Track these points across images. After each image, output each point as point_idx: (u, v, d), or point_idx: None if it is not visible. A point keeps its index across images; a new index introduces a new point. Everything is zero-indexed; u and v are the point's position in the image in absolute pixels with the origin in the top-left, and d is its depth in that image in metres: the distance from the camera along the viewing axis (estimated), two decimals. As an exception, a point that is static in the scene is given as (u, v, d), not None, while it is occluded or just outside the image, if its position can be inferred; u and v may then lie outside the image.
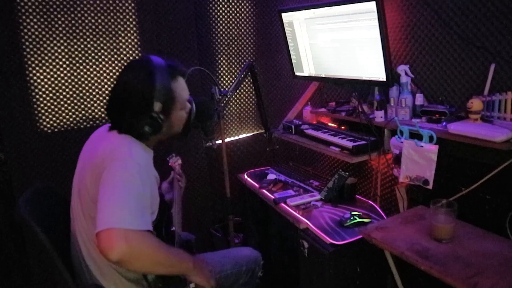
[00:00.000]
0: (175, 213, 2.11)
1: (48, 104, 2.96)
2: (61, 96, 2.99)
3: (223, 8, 3.56)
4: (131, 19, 3.14)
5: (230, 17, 3.61)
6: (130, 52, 3.17)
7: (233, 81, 3.66)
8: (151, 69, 1.77)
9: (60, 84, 2.97)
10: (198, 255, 1.90)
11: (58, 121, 3.02)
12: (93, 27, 3.02)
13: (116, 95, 1.82)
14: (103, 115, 3.15)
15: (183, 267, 1.70)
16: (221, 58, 3.66)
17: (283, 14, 3.29)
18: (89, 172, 1.70)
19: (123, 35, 3.13)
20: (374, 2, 2.45)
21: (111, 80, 3.12)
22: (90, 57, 3.05)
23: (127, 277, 1.79)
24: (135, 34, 3.18)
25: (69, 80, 3.00)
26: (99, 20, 3.03)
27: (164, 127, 1.80)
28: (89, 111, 3.11)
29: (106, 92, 3.12)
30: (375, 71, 2.68)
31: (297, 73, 3.52)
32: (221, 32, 3.60)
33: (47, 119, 2.98)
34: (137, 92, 1.74)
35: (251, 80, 3.17)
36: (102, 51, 3.08)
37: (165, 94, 1.76)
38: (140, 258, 1.49)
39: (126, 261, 1.45)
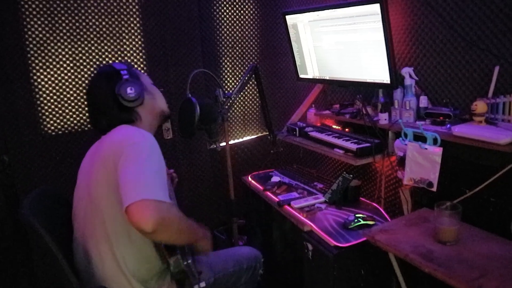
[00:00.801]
0: None
1: (52, 106, 2.97)
2: (65, 99, 3.01)
3: (227, 11, 3.57)
4: (135, 22, 3.15)
5: (234, 19, 3.62)
6: (134, 54, 3.18)
7: (237, 83, 3.67)
8: (105, 65, 2.01)
9: (64, 87, 2.98)
10: (203, 226, 1.94)
11: (62, 123, 3.03)
12: (97, 29, 3.03)
13: (91, 99, 1.94)
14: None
15: (198, 235, 1.81)
16: (225, 61, 3.66)
17: (287, 17, 3.29)
18: (100, 169, 1.71)
19: (127, 37, 3.14)
20: (378, 5, 2.45)
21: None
22: (94, 60, 3.06)
23: (137, 278, 1.79)
24: (139, 37, 3.18)
25: (73, 83, 3.02)
26: (103, 23, 3.04)
27: (145, 95, 1.91)
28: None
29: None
30: (379, 73, 2.68)
31: (301, 76, 3.52)
32: (225, 35, 3.61)
33: (51, 121, 2.99)
34: (103, 78, 1.90)
35: (255, 83, 3.17)
36: (106, 53, 3.10)
37: (125, 66, 1.90)
38: (170, 227, 1.56)
39: (158, 231, 1.49)
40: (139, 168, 1.57)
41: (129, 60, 3.17)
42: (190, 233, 1.74)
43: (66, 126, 3.04)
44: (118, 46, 3.13)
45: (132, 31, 3.15)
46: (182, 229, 1.65)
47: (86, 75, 3.05)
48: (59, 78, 2.95)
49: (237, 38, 3.67)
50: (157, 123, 2.07)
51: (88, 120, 3.09)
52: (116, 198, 1.59)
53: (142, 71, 3.20)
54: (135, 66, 3.19)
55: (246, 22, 3.68)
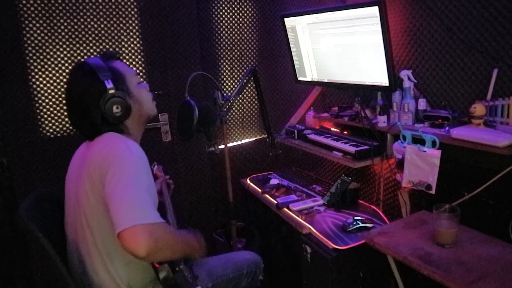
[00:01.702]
0: (171, 219, 2.11)
1: (51, 109, 2.96)
2: (64, 101, 2.98)
3: (226, 13, 3.57)
4: (133, 24, 3.15)
5: (233, 22, 3.62)
6: (133, 57, 3.17)
7: (235, 86, 3.66)
8: (83, 65, 1.82)
9: (62, 89, 2.96)
10: (193, 231, 1.91)
11: (61, 126, 3.01)
12: (96, 32, 3.03)
13: (72, 104, 1.83)
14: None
15: (193, 247, 1.80)
16: (224, 63, 3.66)
17: (285, 19, 3.29)
18: (86, 181, 1.67)
19: (125, 40, 3.14)
20: (377, 7, 2.45)
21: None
22: (93, 62, 3.04)
23: (131, 287, 1.79)
24: (137, 39, 3.18)
25: (72, 85, 3.00)
26: (102, 25, 3.04)
27: (131, 104, 1.83)
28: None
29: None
30: (378, 76, 2.68)
31: (300, 78, 3.53)
32: (223, 37, 3.61)
33: (50, 124, 2.98)
34: (85, 85, 1.77)
35: (254, 85, 3.17)
36: (105, 56, 3.08)
37: (108, 72, 1.78)
38: (164, 248, 1.55)
39: (153, 254, 1.48)
40: (128, 187, 1.54)
41: (127, 63, 3.15)
42: (184, 249, 1.72)
43: (64, 128, 3.03)
44: (117, 49, 3.12)
45: (131, 33, 3.15)
46: (176, 247, 1.64)
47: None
48: (58, 80, 2.94)
49: (236, 40, 3.67)
50: (144, 126, 2.02)
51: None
52: (104, 213, 1.59)
53: (140, 74, 3.20)
54: (133, 68, 3.18)
55: (245, 25, 3.68)
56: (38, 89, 2.89)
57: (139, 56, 3.20)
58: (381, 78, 2.66)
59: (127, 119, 1.83)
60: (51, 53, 2.90)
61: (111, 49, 3.08)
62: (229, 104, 2.87)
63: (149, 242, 1.44)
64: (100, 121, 1.77)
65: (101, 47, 3.05)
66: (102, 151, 1.69)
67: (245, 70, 3.73)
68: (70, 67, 2.95)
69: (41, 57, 2.87)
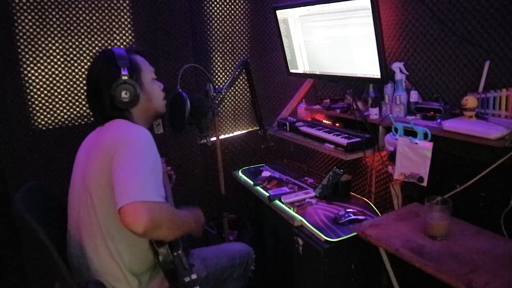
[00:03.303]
0: None
1: (43, 101, 2.95)
2: (56, 93, 2.99)
3: (218, 5, 3.55)
4: (125, 16, 3.13)
5: (225, 14, 3.61)
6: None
7: (227, 78, 3.66)
8: (107, 51, 1.95)
9: (54, 82, 2.96)
10: (192, 209, 1.97)
11: (52, 118, 3.01)
12: (88, 24, 3.01)
13: (89, 86, 1.95)
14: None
15: (190, 226, 1.83)
16: (216, 55, 3.65)
17: (277, 11, 3.28)
18: (96, 163, 1.73)
19: (117, 32, 3.13)
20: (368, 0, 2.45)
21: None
22: (84, 54, 3.04)
23: (131, 271, 1.81)
24: (129, 31, 3.17)
25: (64, 77, 2.99)
26: (94, 18, 3.02)
27: (140, 96, 1.92)
28: (84, 108, 3.10)
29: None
30: (370, 68, 2.68)
31: (292, 70, 3.52)
32: (215, 29, 3.60)
33: (42, 116, 2.97)
34: (103, 69, 1.89)
35: (246, 77, 3.16)
36: (97, 48, 3.07)
37: (127, 61, 1.89)
38: (161, 226, 1.57)
39: (150, 232, 1.52)
40: (133, 167, 1.59)
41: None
42: (181, 228, 1.74)
43: (56, 121, 3.02)
44: (109, 41, 3.11)
45: (123, 25, 3.13)
46: (174, 226, 1.66)
47: (76, 70, 3.03)
48: (50, 72, 2.93)
49: (228, 32, 3.66)
50: (151, 120, 2.12)
51: (78, 115, 3.08)
52: (110, 194, 1.61)
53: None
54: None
55: (237, 17, 3.67)
56: (30, 81, 2.88)
57: (130, 48, 3.19)
58: (373, 70, 2.66)
59: (134, 107, 1.91)
60: (43, 45, 2.89)
61: (102, 41, 3.08)
62: (221, 96, 2.86)
63: (147, 219, 1.47)
64: (108, 103, 1.86)
65: (93, 39, 3.04)
66: (113, 134, 1.78)
67: (237, 62, 3.72)
68: (62, 59, 2.96)
69: (33, 49, 2.86)
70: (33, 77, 2.89)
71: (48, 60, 2.92)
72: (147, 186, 1.55)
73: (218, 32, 3.61)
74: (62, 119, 3.04)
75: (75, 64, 3.01)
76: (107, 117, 1.88)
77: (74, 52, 3.00)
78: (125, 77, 1.84)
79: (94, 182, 1.73)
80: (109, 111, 1.87)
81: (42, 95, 2.94)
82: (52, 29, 2.90)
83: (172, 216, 1.66)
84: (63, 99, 3.02)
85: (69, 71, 3.00)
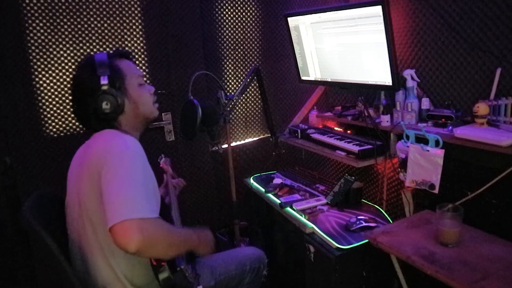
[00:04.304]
0: (176, 216, 2.10)
1: (54, 108, 2.97)
2: (67, 100, 3.00)
3: (229, 13, 3.57)
4: (137, 23, 3.15)
5: (236, 21, 3.62)
6: (136, 56, 3.18)
7: (239, 85, 3.67)
8: (89, 58, 1.84)
9: (66, 88, 2.98)
10: (201, 229, 1.91)
11: (64, 125, 3.03)
12: (99, 31, 3.04)
13: (73, 96, 1.88)
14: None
15: (192, 244, 1.77)
16: (227, 63, 3.66)
17: (289, 19, 3.29)
18: (86, 179, 1.68)
19: (129, 39, 3.15)
20: (380, 7, 2.45)
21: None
22: (96, 62, 3.05)
23: (135, 284, 1.78)
24: (141, 39, 3.19)
25: (75, 84, 3.01)
26: (105, 25, 3.05)
27: (126, 103, 1.83)
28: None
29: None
30: (381, 75, 2.68)
31: (303, 77, 3.52)
32: (227, 37, 3.61)
33: (53, 123, 2.99)
34: (83, 78, 1.82)
35: (257, 85, 3.18)
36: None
37: (107, 69, 1.79)
38: (156, 244, 1.51)
39: (143, 250, 1.46)
40: (121, 182, 1.54)
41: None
42: (181, 245, 1.69)
43: (68, 128, 3.04)
44: (120, 48, 3.12)
45: (134, 32, 3.15)
46: (171, 243, 1.61)
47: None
48: (61, 80, 2.95)
49: (239, 40, 3.67)
50: (142, 126, 2.00)
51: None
52: (104, 209, 1.56)
53: (144, 73, 3.20)
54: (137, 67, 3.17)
55: (248, 24, 3.68)
56: (42, 88, 2.91)
57: (142, 56, 3.21)
58: (384, 77, 2.66)
59: (120, 116, 1.84)
60: (54, 52, 2.91)
61: (114, 49, 3.09)
62: (232, 103, 2.87)
63: (138, 238, 1.42)
64: (93, 115, 1.80)
65: (104, 46, 3.06)
66: (98, 148, 1.69)
67: (248, 70, 3.74)
68: (73, 67, 2.97)
69: (44, 56, 2.88)
70: (45, 85, 2.92)
71: (60, 68, 2.94)
72: (136, 202, 1.50)
73: (229, 39, 3.63)
74: (74, 127, 3.06)
75: (87, 72, 3.02)
76: (94, 127, 1.83)
77: (86, 59, 3.02)
78: (104, 87, 1.76)
79: (88, 200, 1.68)
80: (93, 122, 1.82)
81: (54, 103, 2.96)
82: (63, 36, 2.93)
83: (168, 232, 1.60)
84: (75, 106, 3.03)
85: (81, 78, 3.02)
